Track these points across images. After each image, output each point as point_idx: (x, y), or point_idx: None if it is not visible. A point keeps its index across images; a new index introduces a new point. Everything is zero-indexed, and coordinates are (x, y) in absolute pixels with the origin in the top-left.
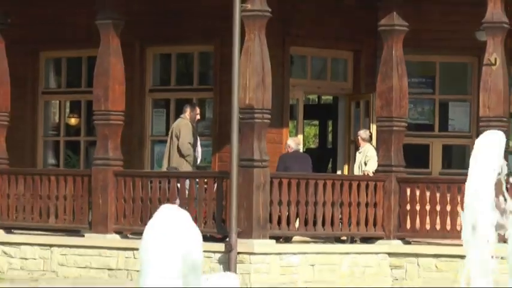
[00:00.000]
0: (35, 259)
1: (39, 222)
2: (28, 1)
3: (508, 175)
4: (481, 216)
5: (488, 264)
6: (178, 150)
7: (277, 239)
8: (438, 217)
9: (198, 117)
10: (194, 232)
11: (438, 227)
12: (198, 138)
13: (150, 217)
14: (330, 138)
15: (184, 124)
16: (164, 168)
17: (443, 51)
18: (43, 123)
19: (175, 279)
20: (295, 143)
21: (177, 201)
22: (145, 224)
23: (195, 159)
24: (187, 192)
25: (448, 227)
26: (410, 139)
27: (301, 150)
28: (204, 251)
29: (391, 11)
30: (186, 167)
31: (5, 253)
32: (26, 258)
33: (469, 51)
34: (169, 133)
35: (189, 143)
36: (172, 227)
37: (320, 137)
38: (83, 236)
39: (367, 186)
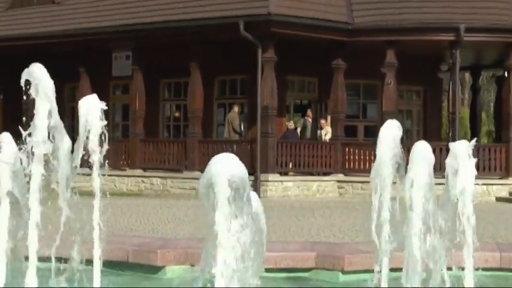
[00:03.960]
0: (158, 184)
1: (160, 165)
2: (151, 49)
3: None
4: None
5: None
6: (233, 129)
7: (280, 173)
8: (362, 162)
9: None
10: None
11: (362, 167)
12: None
13: None
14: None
15: (234, 115)
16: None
17: (365, 77)
18: (162, 116)
19: (231, 192)
20: (290, 125)
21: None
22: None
23: (242, 132)
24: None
25: (367, 167)
26: (347, 123)
27: (293, 128)
28: None
29: (338, 57)
30: (236, 137)
31: (143, 181)
32: (153, 184)
33: (378, 77)
34: (227, 120)
35: (238, 125)
36: (229, 162)
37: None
38: (182, 172)
39: (325, 147)
